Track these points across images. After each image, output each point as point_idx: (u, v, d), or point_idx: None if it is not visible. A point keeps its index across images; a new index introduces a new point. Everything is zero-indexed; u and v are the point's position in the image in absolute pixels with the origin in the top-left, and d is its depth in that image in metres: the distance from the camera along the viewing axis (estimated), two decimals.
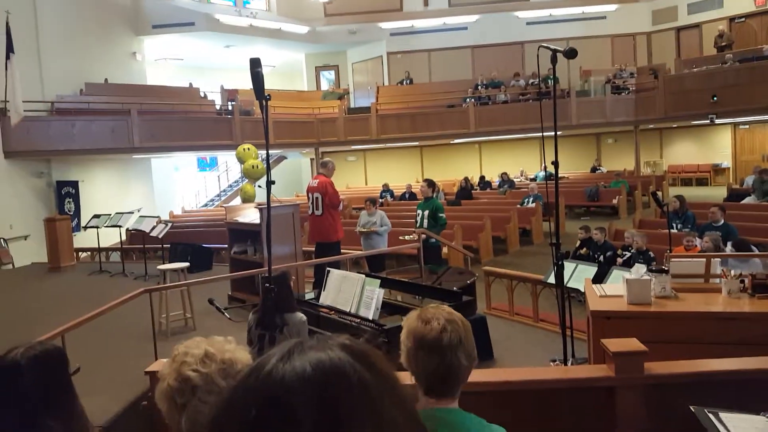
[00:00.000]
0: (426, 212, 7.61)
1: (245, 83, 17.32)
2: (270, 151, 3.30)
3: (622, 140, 20.20)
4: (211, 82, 20.20)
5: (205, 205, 21.81)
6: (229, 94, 18.13)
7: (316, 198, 7.67)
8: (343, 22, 21.41)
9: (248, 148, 8.22)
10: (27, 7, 13.65)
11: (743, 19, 18.69)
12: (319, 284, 7.45)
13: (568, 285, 5.25)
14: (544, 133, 3.64)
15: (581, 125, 17.25)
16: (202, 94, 17.78)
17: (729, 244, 6.44)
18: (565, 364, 3.79)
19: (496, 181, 17.99)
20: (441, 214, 7.56)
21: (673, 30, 20.25)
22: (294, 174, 23.31)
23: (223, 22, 18.90)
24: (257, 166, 8.06)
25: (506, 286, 6.91)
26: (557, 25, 20.66)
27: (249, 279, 6.85)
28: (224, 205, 10.81)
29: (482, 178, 18.01)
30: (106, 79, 16.25)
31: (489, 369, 3.07)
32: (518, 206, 12.73)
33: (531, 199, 12.93)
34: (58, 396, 1.40)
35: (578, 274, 5.47)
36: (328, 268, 4.81)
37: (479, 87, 18.77)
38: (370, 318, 4.23)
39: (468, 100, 17.80)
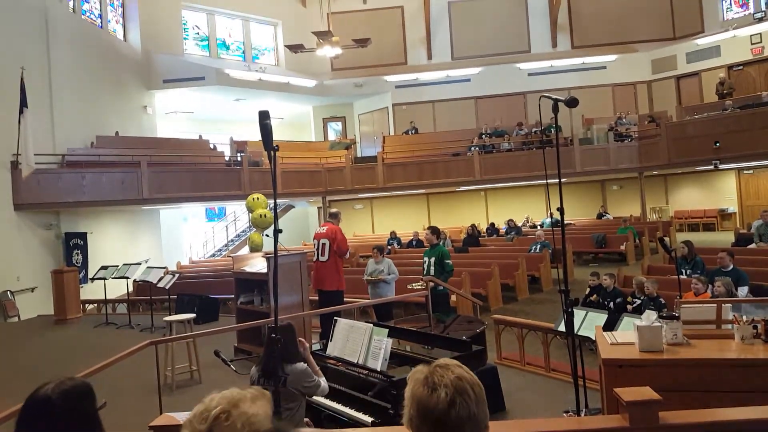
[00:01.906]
0: (432, 259, 7.59)
1: (254, 135, 17.67)
2: (278, 200, 3.34)
3: (627, 186, 20.27)
4: (221, 134, 20.60)
5: (213, 255, 21.84)
6: (238, 146, 18.43)
7: (323, 244, 7.68)
8: (350, 75, 21.97)
9: (257, 198, 8.31)
10: (41, 62, 14.08)
11: (741, 67, 19.03)
12: (326, 334, 7.39)
13: (579, 333, 5.17)
14: (549, 180, 3.67)
15: (585, 172, 17.35)
16: (211, 146, 18.08)
17: (740, 289, 6.37)
18: (579, 415, 3.70)
19: (503, 228, 17.97)
20: (447, 261, 7.53)
21: (672, 78, 20.61)
22: (301, 222, 23.41)
23: (232, 76, 19.41)
24: (265, 215, 8.12)
25: (516, 334, 6.82)
26: (558, 76, 21.09)
27: (255, 330, 6.79)
28: (232, 254, 10.83)
29: (492, 225, 18.05)
30: (117, 132, 16.60)
31: (501, 421, 3.00)
32: (526, 253, 12.67)
33: (539, 246, 12.90)
34: (86, 429, 1.44)
35: (589, 322, 5.40)
36: (335, 318, 4.77)
37: (483, 136, 19.01)
38: (378, 369, 4.16)
39: (473, 148, 18.01)
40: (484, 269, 10.93)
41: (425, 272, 7.67)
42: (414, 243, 16.32)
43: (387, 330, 4.38)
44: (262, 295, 6.99)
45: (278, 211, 24.09)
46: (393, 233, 17.49)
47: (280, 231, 3.29)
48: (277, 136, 16.00)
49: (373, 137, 21.98)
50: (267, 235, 6.76)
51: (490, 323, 6.83)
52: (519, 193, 20.86)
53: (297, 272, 6.77)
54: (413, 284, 7.71)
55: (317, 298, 7.93)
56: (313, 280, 7.78)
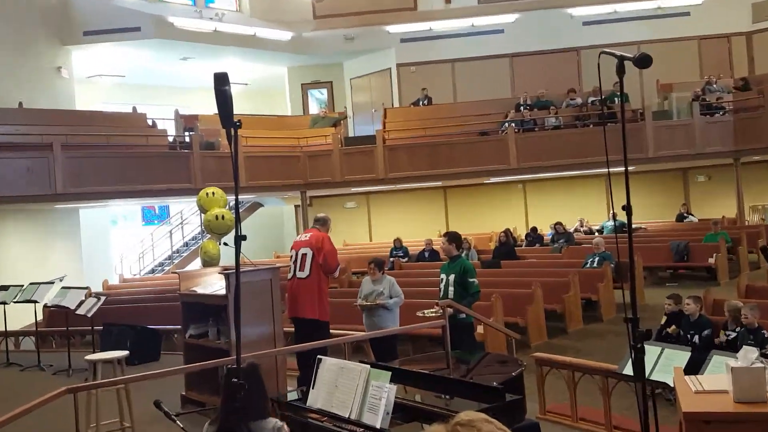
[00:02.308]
0: (451, 277, 7.60)
1: (208, 107, 17.69)
2: (241, 197, 3.35)
3: (718, 177, 20.30)
4: (163, 107, 20.64)
5: (152, 271, 21.91)
6: (187, 122, 18.48)
7: (304, 255, 7.69)
8: (338, 25, 22.01)
9: (213, 193, 8.30)
10: None
11: None
12: (305, 379, 7.34)
13: (652, 377, 5.17)
14: (611, 169, 3.67)
15: (661, 158, 17.40)
16: (149, 122, 18.13)
17: None
18: None
19: (547, 233, 18.01)
20: (471, 279, 7.54)
21: None
22: (273, 227, 23.47)
23: (178, 26, 19.42)
24: (223, 217, 8.12)
25: (566, 379, 6.82)
26: (624, 25, 21.12)
27: (210, 373, 6.80)
28: (178, 270, 10.80)
29: (534, 229, 18.08)
30: (20, 103, 16.62)
31: None
32: (580, 269, 12.70)
33: (597, 259, 12.93)
34: None
35: (665, 362, 5.39)
36: (318, 357, 4.78)
37: (522, 108, 19.07)
38: (378, 427, 4.16)
39: (507, 125, 18.06)
40: (523, 290, 10.95)
41: (442, 295, 7.69)
42: (426, 255, 16.34)
43: (389, 373, 4.39)
44: (220, 326, 6.99)
45: (241, 211, 24.07)
46: (398, 241, 17.54)
47: (244, 238, 3.30)
48: (239, 108, 16.10)
49: (371, 110, 22.04)
50: (226, 244, 6.76)
51: (530, 364, 6.83)
52: (570, 187, 20.91)
53: (267, 294, 6.78)
54: (425, 311, 7.72)
55: (293, 329, 7.95)
56: (287, 305, 7.79)
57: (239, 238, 3.25)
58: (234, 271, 6.60)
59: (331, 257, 7.71)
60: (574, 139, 17.38)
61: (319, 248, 7.71)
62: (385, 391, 4.26)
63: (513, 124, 18.05)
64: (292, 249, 8.11)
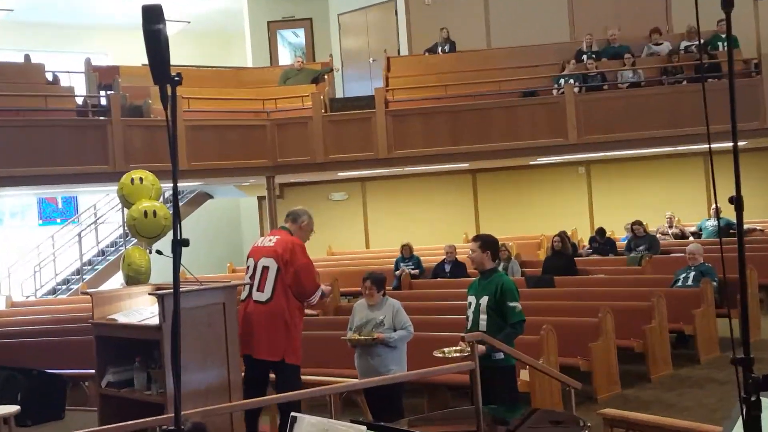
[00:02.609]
0: (484, 300, 7.58)
1: (133, 55, 17.66)
2: (182, 184, 3.33)
3: None
4: (69, 54, 20.59)
5: (54, 291, 21.88)
6: (102, 76, 18.44)
7: (265, 269, 7.69)
8: None
9: (140, 179, 8.29)
10: None
11: None
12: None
13: None
14: (714, 145, 3.66)
15: None
16: (49, 77, 18.09)
17: None
18: None
19: (621, 238, 17.97)
20: (512, 304, 7.51)
21: None
22: (227, 228, 23.47)
23: None
24: (155, 213, 8.11)
25: None
26: None
27: None
28: (90, 290, 10.74)
29: (601, 232, 18.01)
30: None
31: None
32: (668, 288, 12.69)
33: (692, 275, 12.90)
34: None
35: None
36: (292, 414, 4.78)
37: (585, 57, 19.03)
38: None
39: (564, 82, 18.03)
40: (586, 320, 10.94)
41: (470, 325, 7.68)
42: (447, 268, 16.35)
43: None
44: (150, 370, 6.99)
45: (182, 205, 23.92)
46: (406, 249, 17.50)
47: (186, 243, 3.28)
48: (178, 56, 15.98)
49: (368, 60, 22.01)
50: (159, 252, 6.73)
51: (596, 424, 6.82)
52: (654, 170, 20.91)
53: (218, 325, 6.76)
54: (445, 349, 7.68)
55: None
56: (241, 340, 7.79)
57: (179, 244, 3.22)
58: (171, 291, 6.62)
59: (305, 275, 7.69)
60: (659, 101, 17.36)
61: (287, 261, 7.69)
62: None
63: (572, 81, 18.03)
64: (249, 257, 8.09)
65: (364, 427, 4.46)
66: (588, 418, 6.48)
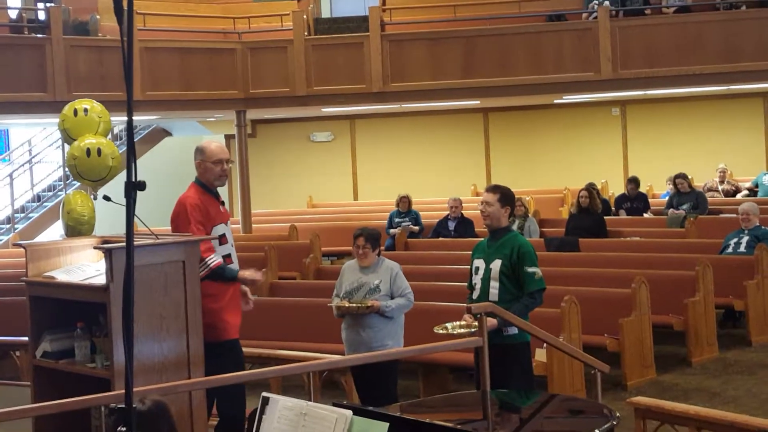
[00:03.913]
0: (496, 265, 7.58)
1: None
2: (136, 117, 3.32)
3: None
4: None
5: None
6: None
7: None
8: None
9: (85, 110, 8.27)
10: None
11: None
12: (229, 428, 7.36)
13: None
14: None
15: None
16: None
17: None
18: None
19: (662, 194, 17.97)
20: (532, 270, 7.50)
21: None
22: (188, 171, 23.40)
23: None
24: (100, 152, 8.10)
25: None
26: None
27: (78, 418, 6.83)
28: (23, 242, 10.71)
29: (633, 182, 17.89)
30: None
31: None
32: (716, 255, 12.74)
33: (746, 239, 12.92)
34: None
35: None
36: (263, 394, 4.82)
37: None
38: None
39: (597, 4, 17.96)
40: (616, 291, 10.97)
41: (477, 294, 7.68)
42: (452, 225, 16.40)
43: (386, 425, 4.42)
44: (95, 338, 7.00)
45: (136, 141, 23.70)
46: (404, 201, 17.49)
47: (141, 186, 3.28)
48: None
49: None
50: (107, 198, 6.71)
51: (626, 415, 6.87)
52: (703, 113, 20.95)
53: (177, 285, 6.76)
54: (448, 325, 7.70)
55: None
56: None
57: (134, 187, 3.23)
58: (122, 244, 6.61)
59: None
60: (712, 30, 17.29)
61: (173, 220, 7.74)
62: None
63: (607, 2, 17.95)
64: None
65: (349, 412, 4.49)
66: (616, 407, 6.52)
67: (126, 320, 3.31)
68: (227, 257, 7.64)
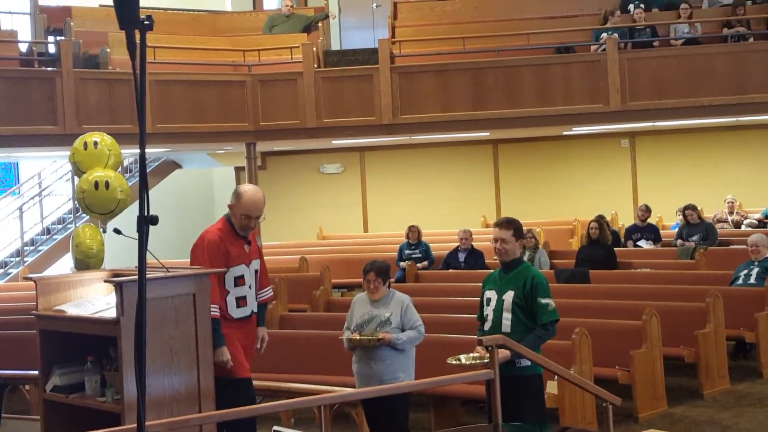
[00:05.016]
0: (509, 296, 7.58)
1: None
2: (147, 150, 3.33)
3: None
4: None
5: None
6: (52, 19, 18.38)
7: None
8: None
9: (95, 143, 8.30)
10: None
11: None
12: None
13: None
14: None
15: None
16: None
17: None
18: None
19: (671, 226, 17.94)
20: (545, 301, 7.49)
21: None
22: (198, 204, 23.44)
23: None
24: (108, 185, 8.12)
25: None
26: None
27: None
28: (33, 275, 10.71)
29: (644, 211, 17.84)
30: None
31: None
32: (726, 287, 12.70)
33: (756, 271, 12.89)
34: None
35: None
36: (275, 428, 4.81)
37: (631, 6, 18.96)
38: None
39: (605, 36, 17.98)
40: (627, 323, 10.92)
41: (489, 326, 7.67)
42: (462, 257, 16.37)
43: None
44: (105, 372, 6.99)
45: (147, 172, 23.75)
46: (413, 232, 17.47)
47: (153, 221, 3.28)
48: None
49: (371, 4, 21.98)
50: (118, 231, 6.72)
51: None
52: (712, 144, 20.92)
53: (188, 319, 6.75)
54: (462, 356, 7.68)
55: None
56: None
57: (146, 222, 3.23)
58: (132, 278, 6.61)
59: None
60: (719, 63, 17.33)
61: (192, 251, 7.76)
62: None
63: (616, 35, 17.98)
64: None
65: None
66: None
67: (138, 354, 3.30)
68: (241, 299, 7.65)
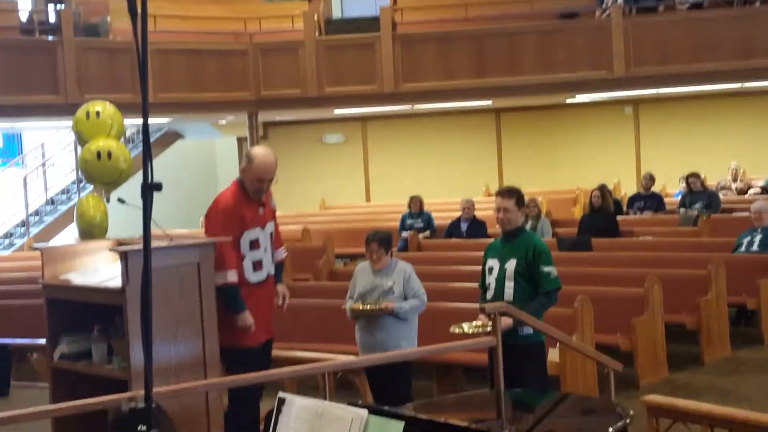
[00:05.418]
0: (511, 264, 7.60)
1: None
2: (151, 120, 3.36)
3: None
4: None
5: None
6: None
7: None
8: None
9: (97, 112, 8.31)
10: None
11: None
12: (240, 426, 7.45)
13: None
14: None
15: None
16: None
17: None
18: None
19: (674, 194, 17.94)
20: (547, 269, 7.52)
21: None
22: (200, 174, 23.45)
23: None
24: (110, 155, 8.14)
25: None
26: None
27: (95, 419, 6.86)
28: (38, 245, 10.76)
29: (648, 179, 17.84)
30: None
31: None
32: (728, 253, 12.74)
33: (759, 238, 12.90)
34: None
35: None
36: (280, 394, 4.85)
37: None
38: None
39: (609, 1, 17.93)
40: (629, 290, 10.98)
41: (492, 295, 7.70)
42: (464, 226, 16.43)
43: (401, 424, 4.46)
44: (112, 340, 7.03)
45: (150, 142, 23.66)
46: (415, 202, 17.48)
47: (157, 188, 3.30)
48: None
49: None
50: (121, 201, 6.77)
51: (638, 414, 6.89)
52: (716, 111, 20.90)
53: (192, 287, 6.79)
54: (464, 325, 7.72)
55: None
56: None
57: (150, 189, 3.25)
58: (136, 247, 6.65)
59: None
60: (726, 27, 17.30)
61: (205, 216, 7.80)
62: None
63: (619, 1, 17.94)
64: None
65: (365, 411, 4.52)
66: (629, 406, 6.55)
67: (144, 322, 3.33)
68: (257, 263, 7.67)
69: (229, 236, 7.38)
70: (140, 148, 18.64)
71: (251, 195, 7.67)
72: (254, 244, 7.64)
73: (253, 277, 7.67)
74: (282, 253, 8.21)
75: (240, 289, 7.47)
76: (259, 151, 7.79)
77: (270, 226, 7.88)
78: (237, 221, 7.55)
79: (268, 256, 7.81)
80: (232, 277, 7.38)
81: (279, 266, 8.17)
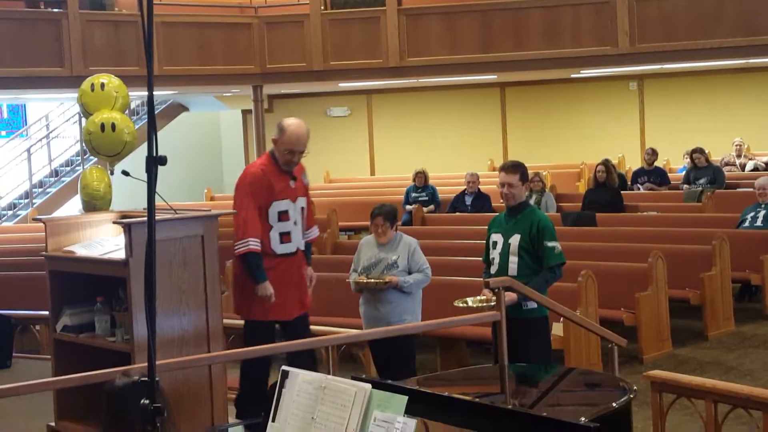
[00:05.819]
0: (515, 239, 7.59)
1: None
2: (156, 92, 3.33)
3: None
4: None
5: None
6: None
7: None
8: None
9: (102, 85, 8.28)
10: None
11: None
12: (252, 403, 7.44)
13: None
14: None
15: None
16: None
17: None
18: None
19: (679, 169, 17.90)
20: (552, 244, 7.51)
21: None
22: (205, 147, 23.43)
23: None
24: (114, 127, 8.12)
25: (704, 416, 6.87)
26: None
27: (97, 392, 6.85)
28: (42, 216, 10.77)
29: (651, 154, 17.80)
30: None
31: None
32: (733, 229, 12.74)
33: (762, 214, 12.89)
34: None
35: None
36: (284, 368, 4.83)
37: None
38: None
39: None
40: (633, 266, 10.99)
41: (496, 269, 7.69)
42: (469, 200, 16.41)
43: (404, 398, 4.44)
44: (115, 312, 7.03)
45: (155, 115, 23.69)
46: (420, 176, 17.46)
47: (162, 161, 3.29)
48: None
49: None
50: (125, 173, 6.74)
51: (642, 388, 6.89)
52: (721, 87, 20.87)
53: (196, 260, 6.78)
54: (469, 299, 7.70)
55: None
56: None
57: (155, 162, 3.23)
58: (140, 219, 6.64)
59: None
60: (729, 3, 17.19)
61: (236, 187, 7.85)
62: (396, 429, 4.32)
63: None
64: None
65: (369, 385, 4.51)
66: (632, 380, 6.55)
67: (148, 294, 3.32)
68: (285, 235, 7.70)
69: (252, 206, 7.45)
70: (145, 120, 18.69)
71: (282, 166, 7.72)
72: (283, 216, 7.70)
73: (280, 248, 7.73)
74: (315, 232, 8.27)
75: (264, 259, 7.51)
76: (291, 121, 7.81)
77: (301, 201, 7.93)
78: (264, 190, 7.62)
79: (298, 231, 7.85)
80: (253, 245, 7.44)
81: (308, 246, 8.21)
